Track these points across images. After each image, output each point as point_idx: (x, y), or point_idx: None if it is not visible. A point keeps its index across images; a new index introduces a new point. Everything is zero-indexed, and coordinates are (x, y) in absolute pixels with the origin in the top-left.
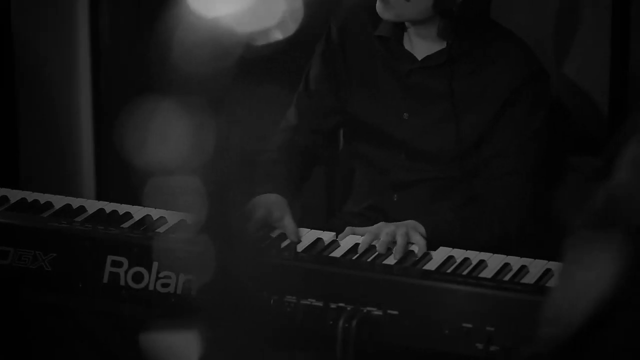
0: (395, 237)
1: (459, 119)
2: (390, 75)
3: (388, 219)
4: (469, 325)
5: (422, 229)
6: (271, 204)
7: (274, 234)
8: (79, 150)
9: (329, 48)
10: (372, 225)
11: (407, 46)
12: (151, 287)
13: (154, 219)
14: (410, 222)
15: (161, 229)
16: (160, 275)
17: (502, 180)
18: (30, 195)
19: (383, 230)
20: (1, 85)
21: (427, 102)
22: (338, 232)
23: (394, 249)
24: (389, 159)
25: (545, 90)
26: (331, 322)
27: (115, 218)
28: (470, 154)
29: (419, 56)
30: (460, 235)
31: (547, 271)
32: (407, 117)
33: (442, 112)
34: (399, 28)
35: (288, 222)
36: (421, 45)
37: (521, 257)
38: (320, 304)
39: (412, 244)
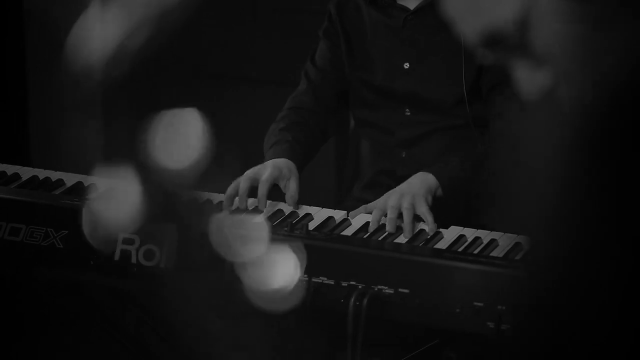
0: (401, 209)
1: (457, 62)
2: (387, 32)
3: (398, 179)
4: (480, 304)
5: (430, 184)
6: (281, 165)
7: (286, 212)
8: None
9: (331, 25)
10: (383, 192)
11: (399, 1)
12: (162, 265)
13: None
14: (416, 186)
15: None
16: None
17: (502, 106)
18: (41, 173)
19: (389, 205)
20: (12, 63)
21: (426, 48)
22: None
23: (403, 228)
24: (393, 117)
25: None
26: (342, 300)
27: None
28: (471, 95)
29: (412, 7)
30: (471, 178)
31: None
32: (407, 67)
33: (442, 56)
34: None
35: (292, 184)
36: None
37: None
38: (331, 282)
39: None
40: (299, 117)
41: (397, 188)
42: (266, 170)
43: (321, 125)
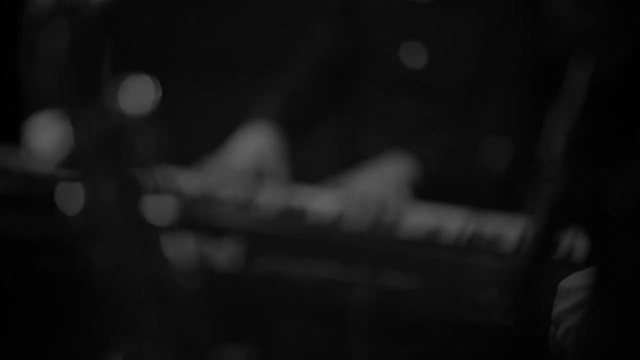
0: None
1: (466, 52)
2: (393, 18)
3: None
4: (490, 298)
5: (403, 179)
6: (260, 151)
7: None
8: None
9: (333, 8)
10: None
11: None
12: None
13: None
14: (388, 189)
15: None
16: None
17: (494, 97)
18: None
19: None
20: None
21: (434, 38)
22: None
23: None
24: (396, 106)
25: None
26: (347, 295)
27: None
28: (476, 89)
29: None
30: (450, 166)
31: (573, 246)
32: (413, 54)
33: (449, 45)
34: None
35: (278, 171)
36: None
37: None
38: (334, 276)
39: None
40: (292, 99)
41: (366, 184)
42: (244, 165)
43: (316, 109)
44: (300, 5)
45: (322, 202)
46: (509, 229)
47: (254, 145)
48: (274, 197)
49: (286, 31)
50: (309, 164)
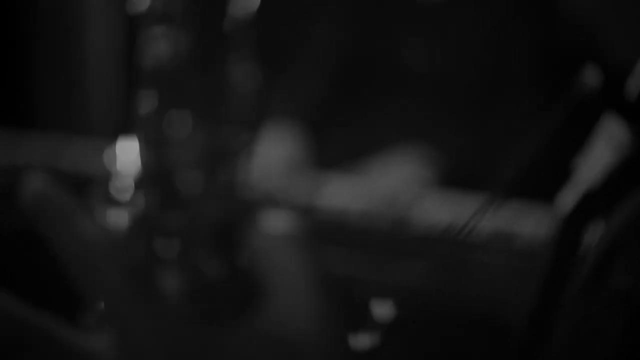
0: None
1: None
2: (402, 13)
3: None
4: (506, 299)
5: (421, 180)
6: (279, 150)
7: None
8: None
9: (336, 5)
10: None
11: None
12: None
13: None
14: (410, 188)
15: None
16: None
17: (506, 95)
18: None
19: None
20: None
21: (448, 31)
22: None
23: None
24: (410, 105)
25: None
26: (360, 295)
27: None
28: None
29: None
30: (464, 164)
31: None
32: (421, 50)
33: (464, 39)
34: None
35: (297, 172)
36: None
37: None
38: (348, 275)
39: None
40: (305, 98)
41: (380, 179)
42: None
43: (329, 108)
44: (304, 4)
45: (334, 198)
46: (528, 226)
47: (275, 144)
48: (294, 193)
49: (288, 30)
50: (322, 162)
